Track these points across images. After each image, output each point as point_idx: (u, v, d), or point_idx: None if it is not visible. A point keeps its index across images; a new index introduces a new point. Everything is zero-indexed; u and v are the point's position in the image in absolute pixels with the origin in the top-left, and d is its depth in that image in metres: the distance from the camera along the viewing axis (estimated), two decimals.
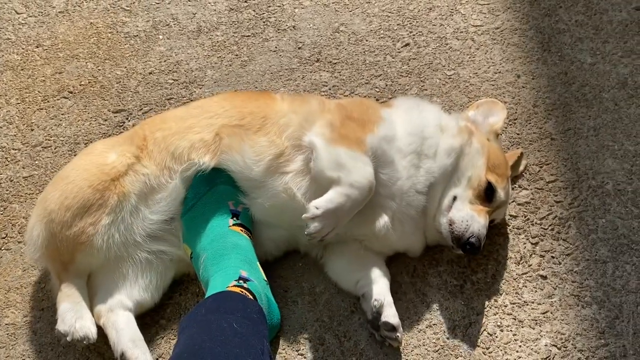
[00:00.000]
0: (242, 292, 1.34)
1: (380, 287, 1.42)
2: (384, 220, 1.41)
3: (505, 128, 1.74)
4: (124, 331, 1.37)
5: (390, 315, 1.38)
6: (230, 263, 1.39)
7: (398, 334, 1.38)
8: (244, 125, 1.47)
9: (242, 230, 1.45)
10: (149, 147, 1.47)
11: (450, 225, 1.41)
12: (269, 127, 1.46)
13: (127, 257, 1.45)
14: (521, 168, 1.64)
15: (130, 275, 1.45)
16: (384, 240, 1.44)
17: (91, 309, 1.42)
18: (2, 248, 1.64)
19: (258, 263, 1.44)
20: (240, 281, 1.36)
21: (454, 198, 1.44)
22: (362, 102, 1.54)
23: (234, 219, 1.46)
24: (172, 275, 1.51)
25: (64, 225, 1.40)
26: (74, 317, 1.36)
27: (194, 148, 1.46)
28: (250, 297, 1.34)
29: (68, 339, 1.34)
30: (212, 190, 1.48)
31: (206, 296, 1.36)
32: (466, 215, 1.40)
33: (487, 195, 1.44)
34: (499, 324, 1.44)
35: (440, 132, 1.47)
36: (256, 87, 1.94)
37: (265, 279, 1.43)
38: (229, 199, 1.48)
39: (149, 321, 1.48)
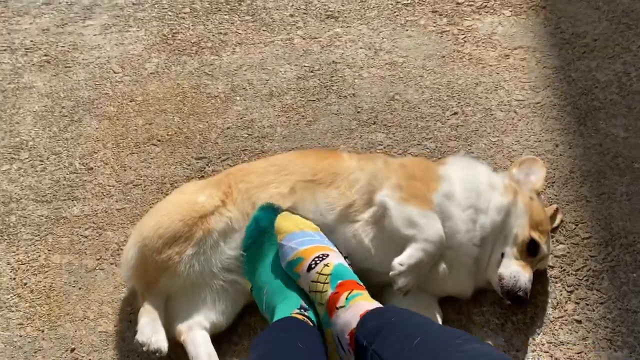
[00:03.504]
0: (303, 319, 1.51)
1: None
2: (442, 267, 1.59)
3: (545, 189, 1.93)
4: (202, 347, 1.57)
5: None
6: (291, 294, 1.58)
7: None
8: (317, 180, 1.68)
9: None
10: (234, 195, 1.70)
11: (500, 280, 1.59)
12: (339, 182, 1.67)
13: (205, 284, 1.65)
14: (557, 222, 1.81)
15: (209, 300, 1.65)
16: (441, 285, 1.62)
17: (173, 327, 1.62)
18: (97, 268, 1.88)
19: None
20: (302, 310, 1.54)
21: (502, 255, 1.62)
22: (421, 162, 1.75)
23: None
24: (243, 302, 1.70)
25: (155, 250, 1.62)
26: (151, 331, 1.56)
27: (272, 199, 1.68)
28: (311, 324, 1.51)
29: (144, 349, 1.54)
30: (271, 230, 1.66)
31: (274, 320, 1.54)
32: (513, 272, 1.58)
33: (530, 250, 1.61)
34: None
35: (490, 189, 1.65)
36: (319, 144, 2.19)
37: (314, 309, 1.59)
38: None
39: (222, 339, 1.67)
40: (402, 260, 1.51)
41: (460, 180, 1.65)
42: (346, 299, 1.50)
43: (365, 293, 1.52)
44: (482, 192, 1.64)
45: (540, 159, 2.02)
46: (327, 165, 1.72)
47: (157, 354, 1.55)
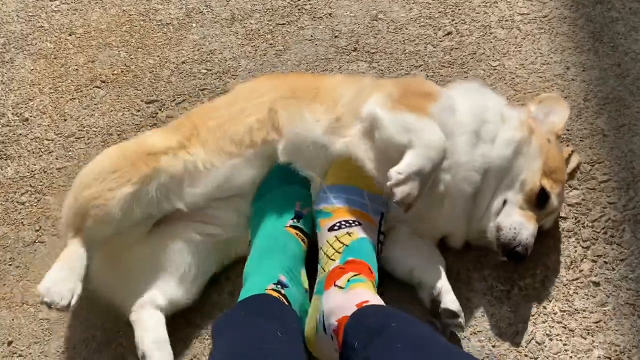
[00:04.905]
0: (279, 297, 1.29)
1: (435, 274, 1.37)
2: (437, 192, 1.36)
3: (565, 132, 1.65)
4: (149, 332, 1.33)
5: (449, 301, 1.33)
6: (272, 264, 1.35)
7: (460, 320, 1.33)
8: (298, 97, 1.44)
9: (297, 234, 1.41)
10: (202, 135, 1.44)
11: (497, 231, 1.36)
12: (323, 98, 1.43)
13: (160, 244, 1.41)
14: (572, 165, 1.55)
15: (166, 266, 1.40)
16: (432, 218, 1.40)
17: (128, 302, 1.38)
18: (37, 241, 1.63)
19: (304, 270, 1.39)
20: (278, 286, 1.32)
21: (504, 202, 1.38)
22: (418, 78, 1.51)
23: (294, 220, 1.42)
24: (214, 268, 1.46)
25: (84, 187, 1.36)
26: (55, 280, 1.30)
27: (252, 130, 1.43)
28: (286, 303, 1.30)
29: (39, 299, 1.29)
30: (285, 187, 1.44)
31: (242, 294, 1.32)
32: (515, 222, 1.35)
33: (539, 201, 1.37)
34: (548, 332, 1.37)
35: (500, 120, 1.41)
36: None
37: (307, 288, 1.38)
38: (298, 199, 1.44)
39: (183, 322, 1.45)
40: (401, 168, 1.28)
41: (464, 102, 1.42)
42: (348, 280, 1.29)
43: (370, 282, 1.31)
44: (488, 120, 1.40)
45: (550, 85, 1.74)
46: (306, 83, 1.50)
47: (51, 306, 1.27)
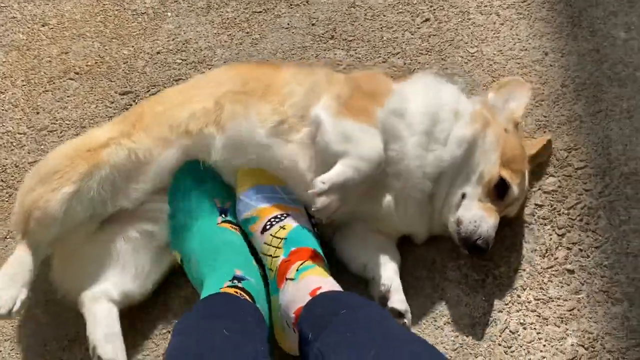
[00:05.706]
0: (236, 292, 1.27)
1: (387, 272, 1.35)
2: (387, 200, 1.34)
3: (531, 110, 1.64)
4: (101, 324, 1.32)
5: (396, 300, 1.31)
6: (223, 262, 1.34)
7: (405, 320, 1.31)
8: (247, 91, 1.41)
9: (231, 227, 1.40)
10: (145, 121, 1.42)
11: (458, 224, 1.34)
12: (272, 96, 1.40)
13: (114, 237, 1.40)
14: (538, 146, 1.51)
15: (121, 260, 1.39)
16: (387, 221, 1.38)
17: (78, 295, 1.37)
18: (8, 237, 1.60)
19: (253, 259, 1.38)
20: (235, 281, 1.30)
21: (463, 195, 1.36)
22: (372, 75, 1.47)
23: (222, 216, 1.40)
24: (168, 263, 1.44)
25: (28, 191, 1.37)
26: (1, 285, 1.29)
27: (193, 117, 1.40)
28: (246, 297, 1.28)
29: None
30: (197, 189, 1.41)
31: (201, 298, 1.30)
32: (475, 216, 1.33)
33: (499, 192, 1.35)
34: (522, 321, 1.36)
35: (454, 117, 1.38)
36: None
37: (261, 273, 1.37)
38: (214, 196, 1.42)
39: (156, 317, 1.44)
40: (326, 177, 1.27)
41: (417, 101, 1.38)
42: (297, 270, 1.28)
43: (320, 266, 1.30)
44: (441, 119, 1.37)
45: (528, 71, 1.72)
46: (260, 75, 1.47)
47: None
